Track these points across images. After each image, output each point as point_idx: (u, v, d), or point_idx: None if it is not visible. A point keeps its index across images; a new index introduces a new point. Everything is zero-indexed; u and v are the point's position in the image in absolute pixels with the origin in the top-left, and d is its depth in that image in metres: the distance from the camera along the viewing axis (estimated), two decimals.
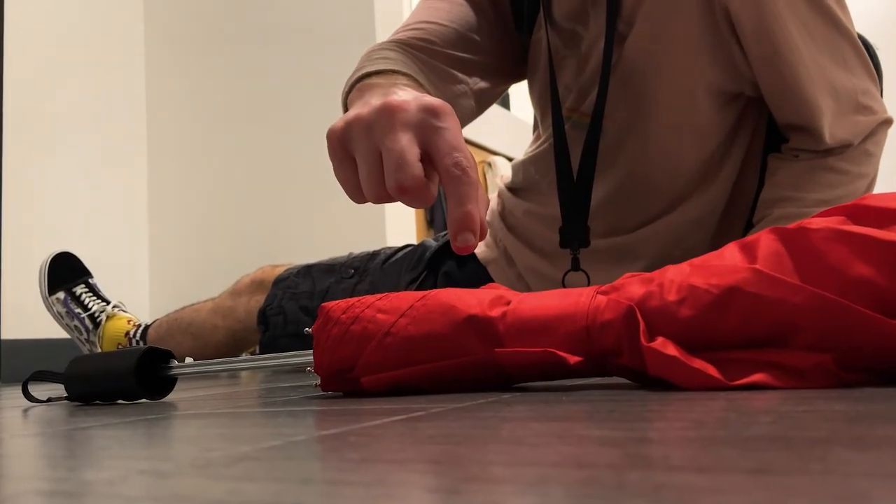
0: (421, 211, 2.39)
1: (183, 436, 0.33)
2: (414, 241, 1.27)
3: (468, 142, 2.58)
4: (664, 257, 0.82)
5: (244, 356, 1.21)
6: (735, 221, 0.85)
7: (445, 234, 1.03)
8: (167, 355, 0.57)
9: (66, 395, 0.58)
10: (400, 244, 1.11)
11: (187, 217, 2.35)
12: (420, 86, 0.68)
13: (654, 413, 0.31)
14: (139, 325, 1.26)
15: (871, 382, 0.38)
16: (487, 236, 0.99)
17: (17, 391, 0.90)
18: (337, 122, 0.56)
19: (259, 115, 2.24)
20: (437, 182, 0.54)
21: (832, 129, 0.76)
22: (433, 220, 2.44)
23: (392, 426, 0.31)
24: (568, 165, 0.78)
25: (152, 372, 0.56)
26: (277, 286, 1.10)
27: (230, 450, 0.27)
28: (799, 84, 0.74)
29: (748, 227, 0.83)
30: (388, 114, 0.53)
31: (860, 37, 0.78)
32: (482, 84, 0.86)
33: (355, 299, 0.51)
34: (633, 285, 0.44)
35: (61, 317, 1.29)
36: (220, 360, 0.58)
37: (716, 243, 0.83)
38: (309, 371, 0.51)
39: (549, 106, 0.82)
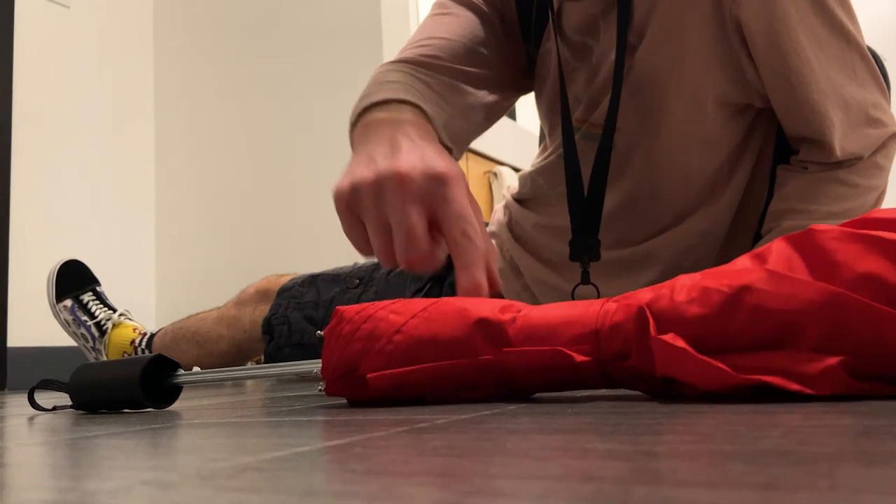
0: None
1: (187, 446, 0.33)
2: None
3: (474, 152, 2.58)
4: (673, 269, 0.82)
5: (249, 365, 1.21)
6: (744, 233, 0.84)
7: None
8: (173, 364, 0.57)
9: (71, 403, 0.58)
10: None
11: (194, 226, 2.36)
12: (425, 115, 0.68)
13: (662, 426, 0.31)
14: (144, 334, 1.26)
15: (880, 394, 0.37)
16: (493, 246, 0.99)
17: (23, 399, 0.90)
18: (343, 182, 0.58)
19: (267, 125, 2.24)
20: (444, 246, 0.56)
21: (842, 141, 0.76)
22: None
23: (397, 437, 0.31)
24: (578, 177, 0.78)
25: (157, 381, 0.56)
26: (282, 296, 1.10)
27: (234, 460, 0.27)
28: (809, 96, 0.74)
29: (756, 239, 0.83)
30: (396, 184, 0.54)
31: (869, 49, 0.78)
32: (491, 97, 0.86)
33: (370, 303, 0.51)
34: (643, 292, 0.44)
35: (68, 324, 1.29)
36: (225, 369, 0.58)
37: (724, 255, 0.83)
38: (317, 373, 0.51)
39: (559, 117, 0.82)
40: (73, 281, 1.31)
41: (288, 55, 2.21)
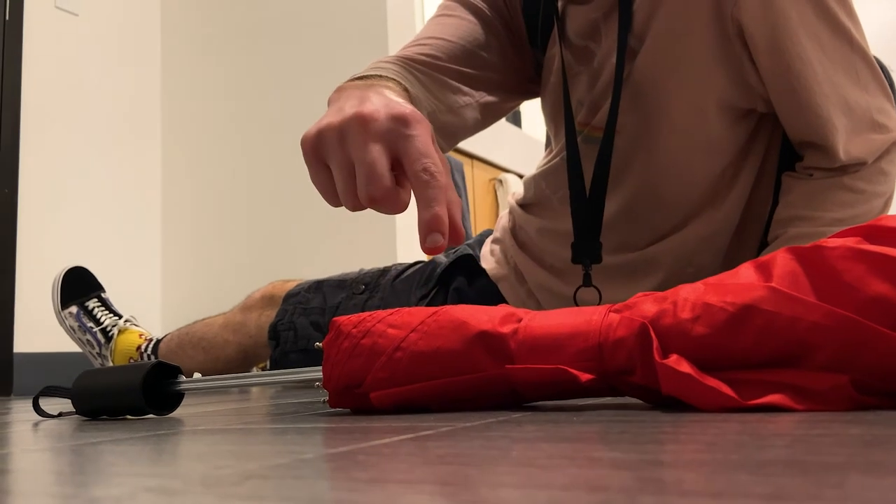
0: None
1: (192, 452, 0.33)
2: (424, 258, 1.27)
3: (479, 159, 2.58)
4: (676, 275, 0.82)
5: (254, 371, 1.21)
6: (748, 240, 0.84)
7: (456, 251, 1.03)
8: (175, 370, 0.57)
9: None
10: (411, 260, 1.11)
11: (200, 231, 2.36)
12: (405, 91, 0.68)
13: (668, 435, 0.31)
14: (150, 340, 1.26)
15: (888, 405, 0.37)
16: (498, 253, 0.99)
17: (29, 405, 0.90)
18: (310, 128, 0.58)
19: (274, 131, 2.25)
20: (409, 189, 0.55)
21: (846, 146, 0.75)
22: None
23: (401, 445, 0.31)
24: (581, 180, 0.78)
25: (159, 387, 0.56)
26: (288, 301, 1.10)
27: (239, 467, 0.27)
28: (812, 100, 0.73)
29: (762, 247, 0.83)
30: (359, 124, 0.54)
31: (875, 59, 0.78)
32: (489, 98, 0.86)
33: (367, 314, 0.50)
34: (646, 304, 0.44)
35: (74, 331, 1.30)
36: (227, 375, 0.58)
37: (728, 261, 0.83)
38: (318, 386, 0.51)
39: (562, 120, 0.82)
40: (78, 288, 1.31)
41: (295, 60, 2.22)
